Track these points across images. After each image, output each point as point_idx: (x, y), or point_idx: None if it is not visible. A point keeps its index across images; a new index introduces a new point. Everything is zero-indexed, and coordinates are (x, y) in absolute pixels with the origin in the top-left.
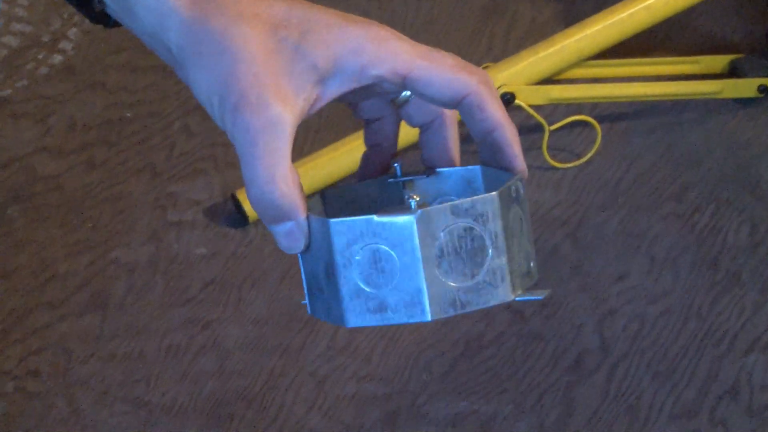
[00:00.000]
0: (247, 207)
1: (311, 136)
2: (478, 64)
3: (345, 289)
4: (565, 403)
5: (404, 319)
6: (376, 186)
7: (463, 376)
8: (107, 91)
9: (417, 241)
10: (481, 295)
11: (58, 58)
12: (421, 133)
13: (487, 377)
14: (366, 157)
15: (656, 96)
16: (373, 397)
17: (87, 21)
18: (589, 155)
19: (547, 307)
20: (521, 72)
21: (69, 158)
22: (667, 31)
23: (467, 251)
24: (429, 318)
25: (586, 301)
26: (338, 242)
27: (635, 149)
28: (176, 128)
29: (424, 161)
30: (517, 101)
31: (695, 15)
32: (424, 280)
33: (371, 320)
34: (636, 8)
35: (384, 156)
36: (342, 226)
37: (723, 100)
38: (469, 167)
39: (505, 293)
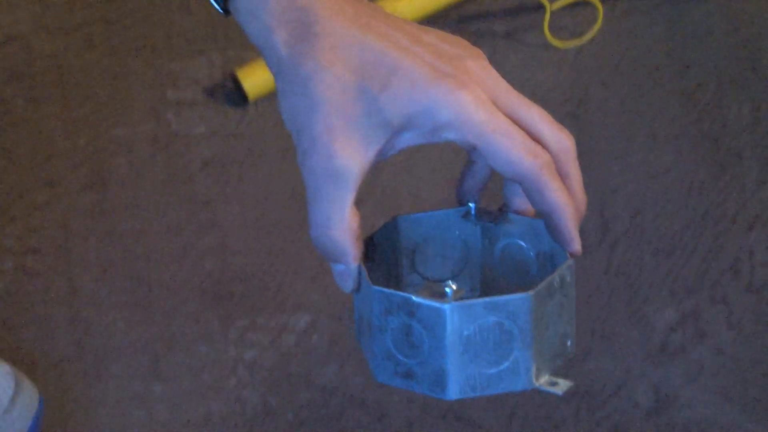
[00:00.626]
0: (247, 86)
1: None
2: None
3: (378, 349)
4: None
5: (427, 392)
6: (451, 218)
7: None
8: None
9: (448, 328)
10: (502, 382)
11: None
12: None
13: None
14: (462, 178)
15: None
16: None
17: None
18: (590, 34)
19: None
20: None
21: (68, 37)
22: None
23: (494, 342)
24: (449, 398)
25: (586, 180)
26: (377, 307)
27: (637, 27)
28: (176, 7)
29: (503, 199)
30: None
31: None
32: (448, 363)
33: (398, 383)
34: None
35: (477, 183)
36: (382, 295)
37: None
38: (537, 219)
39: (527, 382)
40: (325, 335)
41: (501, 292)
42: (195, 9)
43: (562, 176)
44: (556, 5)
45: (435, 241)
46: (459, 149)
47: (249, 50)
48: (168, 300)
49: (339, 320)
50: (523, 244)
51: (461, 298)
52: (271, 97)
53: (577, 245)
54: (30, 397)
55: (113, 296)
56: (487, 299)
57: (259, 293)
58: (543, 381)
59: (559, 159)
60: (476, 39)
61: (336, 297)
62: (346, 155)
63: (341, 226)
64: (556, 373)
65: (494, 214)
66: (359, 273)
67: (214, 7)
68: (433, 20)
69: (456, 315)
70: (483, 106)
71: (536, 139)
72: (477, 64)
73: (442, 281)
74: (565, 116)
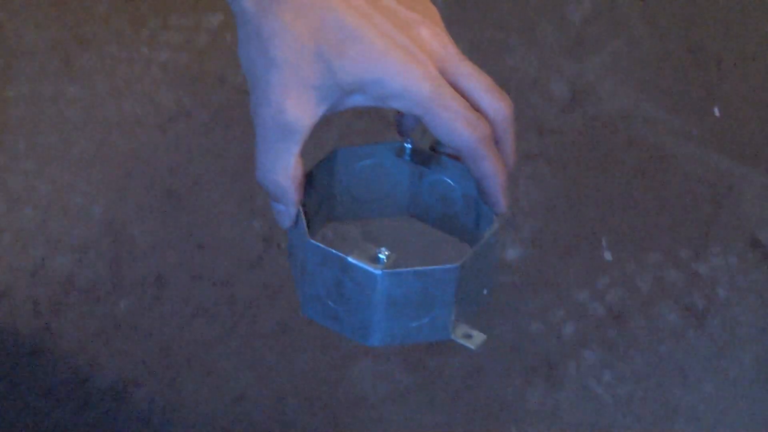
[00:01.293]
0: None
1: None
2: None
3: (308, 290)
4: None
5: (350, 336)
6: (390, 152)
7: None
8: None
9: (378, 289)
10: (422, 333)
11: None
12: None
13: None
14: (399, 117)
15: None
16: None
17: None
18: None
19: None
20: None
21: None
22: None
23: (418, 302)
24: (371, 344)
25: None
26: (312, 258)
27: None
28: None
29: (434, 141)
30: None
31: None
32: (373, 317)
33: (323, 321)
34: None
35: (414, 122)
36: (318, 249)
37: None
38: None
39: (444, 334)
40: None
41: (426, 220)
42: None
43: (498, 141)
44: None
45: (370, 170)
46: None
47: None
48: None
49: None
50: (450, 182)
51: (394, 263)
52: None
53: (503, 207)
54: None
55: None
56: (416, 269)
57: None
58: (459, 333)
59: (497, 125)
60: None
61: None
62: (296, 112)
63: (285, 173)
64: (471, 319)
65: (428, 155)
66: (297, 216)
67: None
68: None
69: (386, 280)
70: (429, 81)
71: (477, 107)
72: (430, 32)
73: (373, 204)
74: None
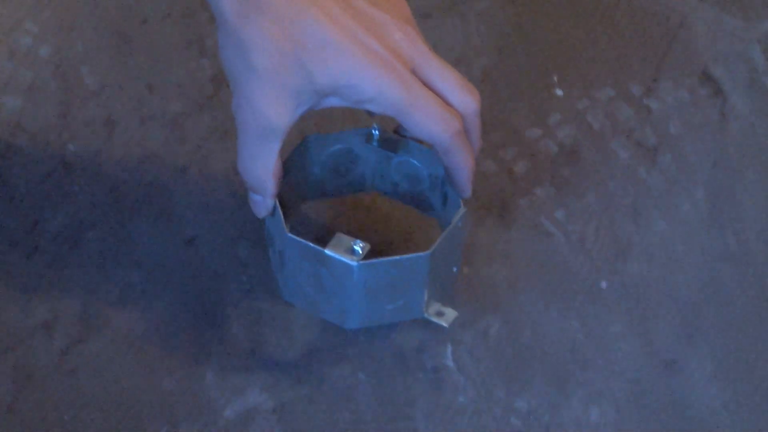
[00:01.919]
0: None
1: None
2: None
3: (288, 280)
4: None
5: (329, 319)
6: (358, 138)
7: None
8: None
9: (354, 280)
10: (397, 314)
11: None
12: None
13: None
14: None
15: None
16: None
17: None
18: None
19: None
20: None
21: None
22: None
23: (393, 287)
24: (349, 327)
25: None
26: (290, 252)
27: None
28: None
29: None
30: None
31: None
32: (351, 305)
33: (304, 306)
34: None
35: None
36: (297, 243)
37: None
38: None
39: (418, 314)
40: None
41: (394, 197)
42: None
43: (466, 131)
44: None
45: (339, 154)
46: None
47: None
48: None
49: None
50: (417, 164)
51: (368, 254)
52: None
53: (469, 193)
54: None
55: None
56: (390, 259)
57: None
58: (432, 311)
59: (466, 118)
60: None
61: None
62: (275, 115)
63: (264, 168)
64: (443, 297)
65: (395, 140)
66: (274, 208)
67: None
68: None
69: (362, 271)
70: (402, 84)
71: (447, 101)
72: (401, 33)
73: (343, 184)
74: None
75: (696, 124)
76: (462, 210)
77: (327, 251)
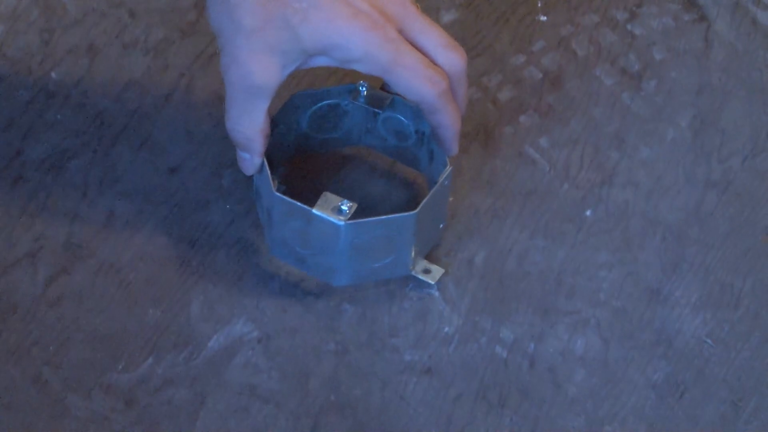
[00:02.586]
0: None
1: None
2: None
3: (276, 235)
4: None
5: (317, 276)
6: (345, 94)
7: None
8: None
9: (342, 239)
10: (385, 272)
11: None
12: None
13: None
14: None
15: None
16: None
17: None
18: None
19: None
20: None
21: None
22: None
23: (380, 246)
24: (337, 284)
25: None
26: (278, 208)
27: None
28: None
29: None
30: None
31: None
32: (339, 263)
33: (291, 262)
34: None
35: None
36: (284, 201)
37: None
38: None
39: (405, 271)
40: None
41: (381, 151)
42: None
43: (452, 90)
44: None
45: (326, 110)
46: None
47: None
48: None
49: None
50: (403, 119)
51: (359, 214)
52: None
53: (455, 151)
54: None
55: None
56: (378, 218)
57: None
58: (419, 269)
59: (452, 77)
60: None
61: None
62: (263, 74)
63: (253, 127)
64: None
65: (382, 96)
66: (262, 165)
67: None
68: None
69: (350, 230)
70: (389, 44)
71: (434, 60)
72: None
73: (330, 138)
74: None
75: (680, 50)
76: (448, 169)
77: (314, 211)
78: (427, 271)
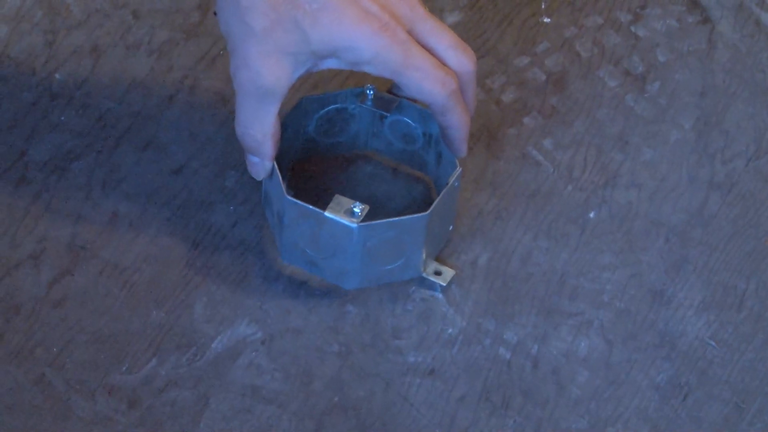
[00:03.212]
0: None
1: None
2: None
3: (287, 240)
4: None
5: (329, 279)
6: (352, 97)
7: None
8: None
9: (354, 241)
10: (396, 274)
11: None
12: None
13: None
14: None
15: None
16: None
17: None
18: None
19: None
20: None
21: None
22: None
23: (392, 248)
24: (349, 288)
25: None
26: (289, 212)
27: None
28: None
29: (393, 84)
30: None
31: None
32: (350, 266)
33: (303, 266)
34: None
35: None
36: (295, 205)
37: None
38: (427, 109)
39: (416, 273)
40: None
41: (388, 155)
42: None
43: (461, 91)
44: None
45: (334, 114)
46: None
47: None
48: None
49: None
50: (411, 122)
51: (366, 215)
52: None
53: (464, 152)
54: None
55: None
56: (389, 220)
57: None
58: (430, 271)
59: (461, 78)
60: None
61: None
62: (273, 77)
63: (263, 130)
64: (439, 254)
65: (389, 99)
66: (272, 169)
67: None
68: None
69: (362, 232)
70: (398, 46)
71: (443, 62)
72: None
73: (338, 142)
74: None
75: (684, 51)
76: (458, 170)
77: (327, 213)
78: (438, 273)
